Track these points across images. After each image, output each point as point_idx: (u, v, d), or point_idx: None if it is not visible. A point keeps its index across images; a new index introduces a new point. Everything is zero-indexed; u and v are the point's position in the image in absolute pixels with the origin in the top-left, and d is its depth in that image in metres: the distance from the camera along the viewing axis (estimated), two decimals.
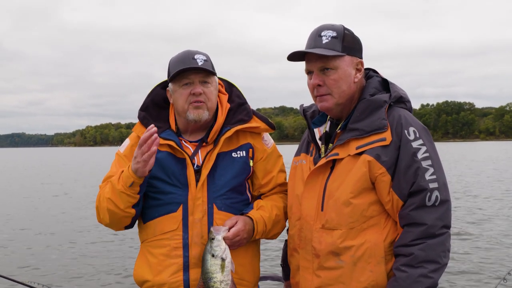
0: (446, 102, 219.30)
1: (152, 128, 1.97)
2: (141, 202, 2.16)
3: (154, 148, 1.97)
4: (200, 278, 2.01)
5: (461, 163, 35.82)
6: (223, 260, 1.96)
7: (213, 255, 1.96)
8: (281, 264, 2.37)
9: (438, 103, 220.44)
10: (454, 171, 26.72)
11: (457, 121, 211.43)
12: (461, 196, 15.99)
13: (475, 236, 9.92)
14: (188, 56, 2.15)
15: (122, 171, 2.08)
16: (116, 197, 2.07)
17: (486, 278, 7.16)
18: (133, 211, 2.12)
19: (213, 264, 1.96)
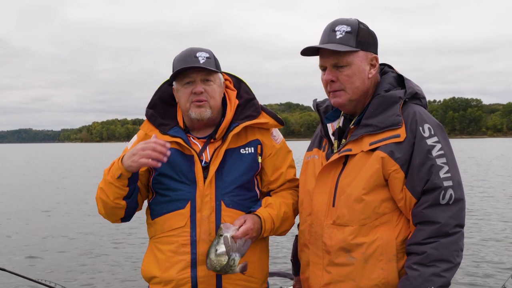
0: (453, 98, 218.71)
1: (168, 145, 2.00)
2: (135, 195, 2.17)
3: (162, 158, 1.99)
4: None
5: (470, 159, 35.61)
6: (228, 257, 1.95)
7: (216, 250, 1.96)
8: (291, 260, 2.37)
9: (445, 100, 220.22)
10: (463, 167, 26.60)
11: (464, 117, 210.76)
12: (471, 192, 15.92)
13: (484, 232, 9.89)
14: (190, 54, 2.14)
15: (114, 162, 2.11)
16: (106, 187, 2.10)
17: (495, 274, 7.12)
18: (123, 203, 2.13)
19: (217, 259, 1.96)
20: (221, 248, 1.96)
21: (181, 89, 2.17)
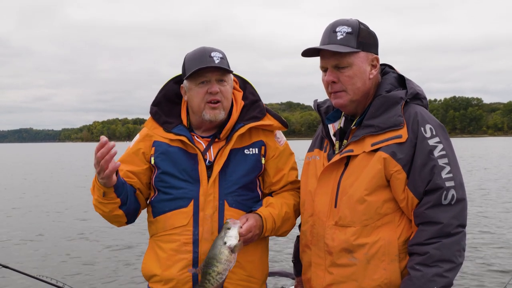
0: (454, 97, 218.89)
1: (104, 140, 1.92)
2: (130, 200, 2.18)
3: (115, 164, 1.95)
4: (204, 261, 1.99)
5: (471, 159, 35.56)
6: (231, 252, 1.95)
7: (225, 243, 1.95)
8: (292, 260, 2.36)
9: (445, 99, 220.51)
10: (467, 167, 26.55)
11: (464, 116, 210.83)
12: (473, 192, 15.88)
13: (485, 232, 9.88)
14: (205, 53, 2.14)
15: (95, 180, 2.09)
16: (99, 205, 2.14)
17: (497, 274, 7.11)
18: (120, 212, 2.16)
19: (222, 252, 1.94)
20: (230, 241, 1.95)
21: (195, 88, 2.16)
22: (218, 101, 2.15)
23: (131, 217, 2.24)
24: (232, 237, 1.96)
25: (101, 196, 2.08)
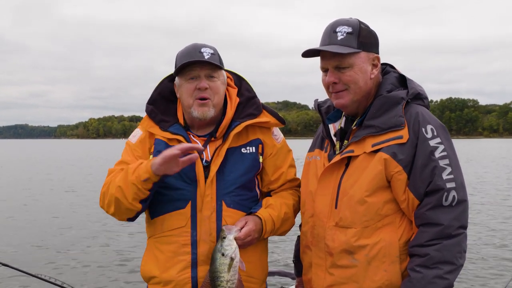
0: (450, 99, 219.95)
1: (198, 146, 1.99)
2: (150, 200, 2.11)
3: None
4: (206, 275, 2.00)
5: (473, 161, 35.67)
6: (232, 259, 1.94)
7: (223, 254, 1.94)
8: (293, 260, 2.36)
9: (442, 100, 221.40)
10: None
11: (460, 118, 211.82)
12: (473, 192, 15.93)
13: (486, 233, 9.91)
14: (195, 49, 2.11)
15: (141, 163, 2.03)
16: (127, 187, 2.01)
17: (497, 276, 7.13)
18: (139, 205, 2.06)
19: (222, 264, 1.94)
20: (227, 251, 1.94)
21: (185, 84, 2.14)
22: (207, 98, 2.12)
23: (137, 215, 2.16)
24: (228, 246, 1.95)
25: (140, 179, 1.98)
